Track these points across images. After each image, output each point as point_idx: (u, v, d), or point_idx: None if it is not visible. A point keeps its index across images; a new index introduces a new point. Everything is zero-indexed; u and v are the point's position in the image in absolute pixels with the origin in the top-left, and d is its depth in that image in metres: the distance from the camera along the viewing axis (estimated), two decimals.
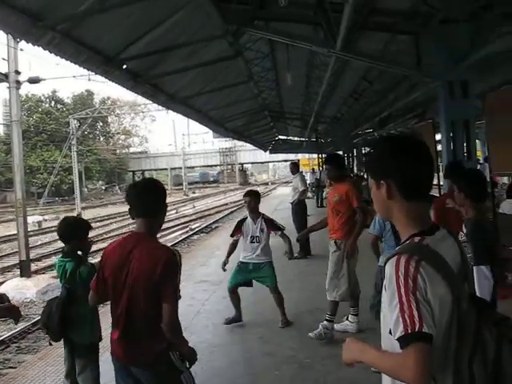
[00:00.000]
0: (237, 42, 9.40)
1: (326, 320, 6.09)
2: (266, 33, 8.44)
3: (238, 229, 7.06)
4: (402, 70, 9.12)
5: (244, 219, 7.09)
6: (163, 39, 8.36)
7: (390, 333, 1.71)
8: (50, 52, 6.79)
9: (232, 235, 7.16)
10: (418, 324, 1.61)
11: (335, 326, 6.23)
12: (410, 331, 1.61)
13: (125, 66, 8.62)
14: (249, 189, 7.48)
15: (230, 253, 7.16)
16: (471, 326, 1.73)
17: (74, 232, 4.22)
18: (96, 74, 8.47)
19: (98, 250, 19.69)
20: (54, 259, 12.03)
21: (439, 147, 10.80)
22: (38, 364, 6.01)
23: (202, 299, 8.22)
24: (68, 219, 4.42)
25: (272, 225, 6.98)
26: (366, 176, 25.81)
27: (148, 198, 3.25)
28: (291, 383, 4.97)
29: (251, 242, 6.99)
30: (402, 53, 9.49)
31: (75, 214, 32.30)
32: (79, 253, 4.28)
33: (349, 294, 6.16)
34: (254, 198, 7.02)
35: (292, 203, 12.41)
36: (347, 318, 6.39)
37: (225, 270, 7.01)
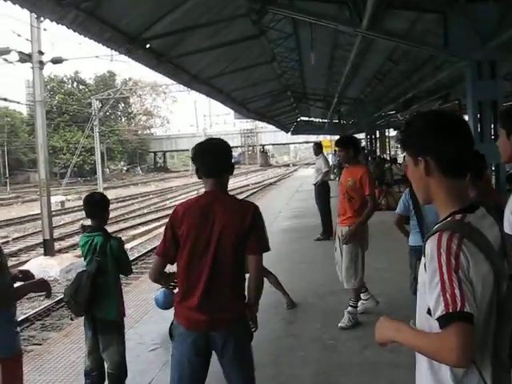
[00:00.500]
0: (260, 20, 9.30)
1: (351, 306, 5.99)
2: (290, 11, 8.32)
3: None
4: (429, 49, 8.94)
5: None
6: (186, 18, 8.30)
7: (429, 313, 1.65)
8: (74, 31, 6.78)
9: None
10: (460, 303, 1.54)
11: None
12: (451, 310, 1.55)
13: (148, 46, 8.58)
14: None
15: None
16: (510, 307, 1.67)
17: (101, 208, 4.26)
18: (119, 53, 8.45)
19: (120, 230, 19.96)
20: (77, 238, 12.09)
21: None
22: (63, 341, 6.06)
23: None
24: (95, 195, 4.44)
25: None
26: (388, 158, 25.64)
27: (220, 157, 3.17)
28: (316, 364, 4.94)
29: None
30: (428, 32, 9.32)
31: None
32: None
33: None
34: None
35: (315, 184, 12.31)
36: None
37: None
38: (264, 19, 9.67)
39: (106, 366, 4.15)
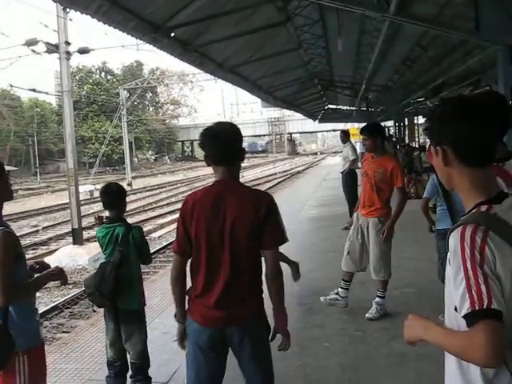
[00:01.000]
0: (286, 7, 9.19)
1: (378, 297, 5.89)
2: None
3: None
4: (460, 34, 8.73)
5: None
6: (211, 6, 8.25)
7: (456, 310, 1.55)
8: (99, 20, 6.78)
9: None
10: (487, 300, 1.45)
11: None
12: (477, 308, 1.46)
13: (173, 34, 8.56)
14: None
15: None
16: None
17: (119, 198, 4.24)
18: (144, 42, 8.45)
19: (148, 219, 20.13)
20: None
21: None
22: (90, 330, 6.11)
23: None
24: (112, 186, 4.41)
25: None
26: (417, 146, 25.30)
27: (230, 142, 2.96)
28: (342, 355, 4.88)
29: None
30: (458, 16, 9.09)
31: (126, 184, 32.92)
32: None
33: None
34: None
35: (342, 173, 12.20)
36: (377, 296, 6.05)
37: None
38: (290, 5, 9.57)
39: (128, 357, 4.15)
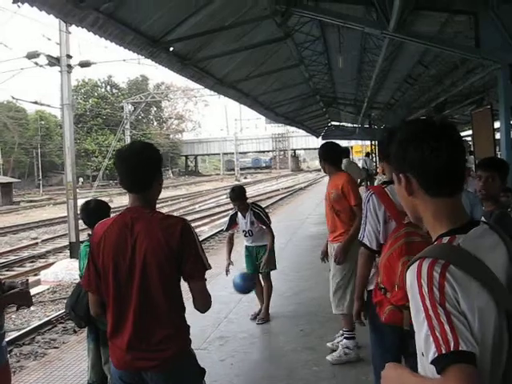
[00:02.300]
0: (285, 23, 9.12)
1: (345, 338, 5.25)
2: (315, 13, 8.12)
3: (233, 222, 6.99)
4: (460, 52, 8.64)
5: (236, 213, 6.97)
6: (210, 21, 8.18)
7: (423, 355, 1.37)
8: (95, 34, 6.70)
9: (227, 229, 7.16)
10: (453, 341, 1.28)
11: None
12: (444, 351, 1.28)
13: (171, 49, 8.49)
14: (232, 187, 7.21)
15: (229, 251, 7.14)
16: None
17: (98, 215, 4.10)
18: (142, 56, 8.36)
19: None
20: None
21: (497, 135, 10.31)
22: (76, 348, 6.01)
23: None
24: (90, 203, 4.31)
25: (259, 218, 6.78)
26: None
27: (139, 169, 2.66)
28: (331, 381, 4.74)
29: (245, 235, 6.98)
30: (459, 35, 9.04)
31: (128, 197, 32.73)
32: None
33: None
34: (241, 200, 6.80)
35: None
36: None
37: (227, 274, 6.90)
38: (290, 22, 9.49)
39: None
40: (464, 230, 1.51)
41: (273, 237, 6.81)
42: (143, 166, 2.67)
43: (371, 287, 3.50)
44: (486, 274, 1.41)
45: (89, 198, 4.71)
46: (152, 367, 2.61)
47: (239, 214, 6.89)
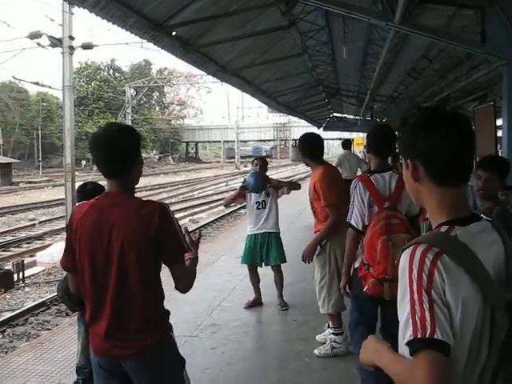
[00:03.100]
0: (290, 11, 9.05)
1: (333, 334, 5.17)
2: (320, 2, 8.04)
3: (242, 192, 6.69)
4: (465, 47, 8.56)
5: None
6: (214, 6, 8.11)
7: None
8: (97, 15, 6.66)
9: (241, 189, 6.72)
10: (430, 329, 1.33)
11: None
12: (420, 336, 1.33)
13: (174, 33, 8.42)
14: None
15: (233, 198, 6.99)
16: (500, 337, 1.41)
17: (91, 197, 4.08)
18: (144, 39, 8.29)
19: None
20: None
21: (499, 133, 10.26)
22: (68, 330, 5.99)
23: (240, 274, 8.05)
24: (87, 185, 4.26)
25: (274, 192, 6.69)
26: None
27: (118, 156, 2.56)
28: (322, 372, 4.73)
29: (257, 208, 6.66)
30: (466, 29, 8.95)
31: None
32: None
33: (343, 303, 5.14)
34: (263, 163, 6.86)
35: None
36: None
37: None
38: (295, 10, 9.42)
39: None
40: (464, 223, 1.52)
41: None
42: (120, 152, 2.57)
43: (357, 265, 3.95)
44: (477, 267, 1.41)
45: (86, 181, 4.67)
46: (130, 355, 2.58)
47: None
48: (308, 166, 5.40)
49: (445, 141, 1.50)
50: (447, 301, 1.37)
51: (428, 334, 1.32)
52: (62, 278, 4.18)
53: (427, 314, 1.34)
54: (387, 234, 3.57)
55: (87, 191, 4.11)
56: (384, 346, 1.52)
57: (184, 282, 2.67)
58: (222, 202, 25.20)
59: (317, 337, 5.53)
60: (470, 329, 1.40)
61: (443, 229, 1.52)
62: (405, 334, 1.37)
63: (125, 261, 2.50)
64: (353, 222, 3.88)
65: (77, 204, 2.77)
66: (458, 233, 1.48)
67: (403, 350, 1.40)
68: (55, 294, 10.28)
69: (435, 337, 1.32)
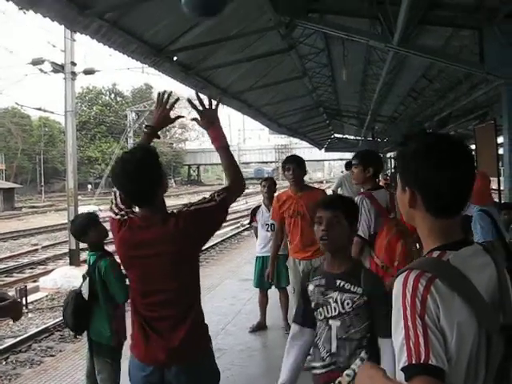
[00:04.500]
0: (290, 34, 9.13)
1: None
2: (319, 26, 8.12)
3: (254, 214, 7.06)
4: (464, 67, 8.62)
5: (258, 207, 7.05)
6: (214, 31, 8.17)
7: None
8: (98, 41, 6.71)
9: (250, 223, 7.24)
10: (424, 354, 1.33)
11: None
12: (414, 361, 1.33)
13: (175, 58, 8.50)
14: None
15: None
16: (496, 361, 1.41)
17: (83, 228, 4.19)
18: (146, 65, 8.37)
19: None
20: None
21: (501, 150, 10.27)
22: (72, 357, 5.96)
23: (244, 298, 8.02)
24: (78, 217, 4.43)
25: None
26: None
27: (140, 186, 2.64)
28: None
29: (266, 230, 6.85)
30: (464, 49, 9.02)
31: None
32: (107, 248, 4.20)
33: None
34: (272, 183, 7.09)
35: None
36: None
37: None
38: (294, 33, 9.50)
39: None
40: (455, 247, 1.52)
41: None
42: (142, 191, 2.67)
43: None
44: (470, 291, 1.42)
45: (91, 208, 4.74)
46: (179, 360, 2.70)
47: (262, 207, 6.94)
48: (297, 186, 5.75)
49: (447, 173, 1.50)
50: (442, 326, 1.38)
51: (422, 359, 1.32)
52: (66, 302, 4.19)
53: (421, 339, 1.35)
54: (403, 238, 4.10)
55: (77, 223, 4.30)
56: (379, 372, 1.50)
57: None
58: (225, 224, 25.22)
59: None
60: (466, 353, 1.40)
61: (435, 254, 1.52)
62: (400, 359, 1.38)
63: (164, 276, 2.69)
64: (360, 233, 4.29)
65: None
66: (450, 257, 1.48)
67: (399, 375, 1.40)
68: (58, 319, 10.27)
69: (429, 362, 1.32)
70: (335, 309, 2.68)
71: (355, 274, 2.73)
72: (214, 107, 3.02)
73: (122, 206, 2.84)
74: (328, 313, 2.71)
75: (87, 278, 3.97)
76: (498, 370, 1.40)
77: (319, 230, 2.74)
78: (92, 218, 4.30)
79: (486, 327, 1.41)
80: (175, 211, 2.78)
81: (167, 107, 2.97)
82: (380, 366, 1.55)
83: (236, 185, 2.89)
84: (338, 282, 2.71)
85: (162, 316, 2.72)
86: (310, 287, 2.83)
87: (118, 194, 2.91)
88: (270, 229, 6.78)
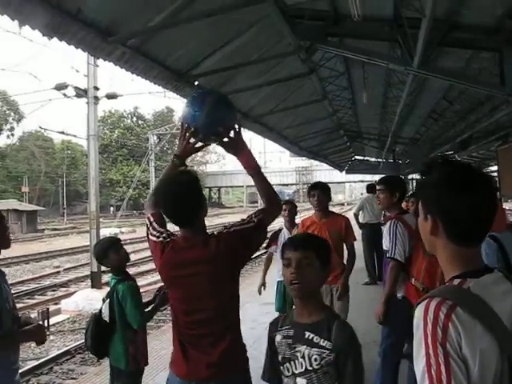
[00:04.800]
0: (310, 58, 9.20)
1: None
2: (339, 50, 8.19)
3: (274, 239, 6.86)
4: (485, 89, 8.60)
5: (279, 230, 6.93)
6: (235, 56, 8.29)
7: None
8: (121, 67, 6.83)
9: (267, 247, 6.96)
10: (446, 382, 1.34)
11: None
12: None
13: (196, 83, 8.60)
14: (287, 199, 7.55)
15: (265, 270, 7.10)
16: None
17: (105, 251, 4.24)
18: (167, 89, 8.48)
19: None
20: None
21: None
22: (93, 380, 5.97)
23: (265, 322, 7.96)
24: (101, 242, 4.49)
25: None
26: None
27: (184, 208, 2.78)
28: None
29: None
30: (484, 71, 9.01)
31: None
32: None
33: None
34: (292, 206, 6.95)
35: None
36: None
37: (260, 293, 6.88)
38: (315, 57, 9.58)
39: None
40: (476, 275, 1.53)
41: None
42: (185, 214, 2.82)
43: (400, 294, 4.60)
44: (492, 318, 1.43)
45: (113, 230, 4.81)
46: (214, 377, 2.81)
47: (284, 230, 6.84)
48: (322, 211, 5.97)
49: (468, 202, 1.53)
50: (464, 354, 1.39)
51: None
52: (87, 325, 4.23)
53: (443, 367, 1.36)
54: None
55: (98, 248, 4.37)
56: None
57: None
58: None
59: None
60: (489, 381, 1.40)
61: (456, 282, 1.54)
62: None
63: (204, 292, 2.81)
64: (397, 256, 4.49)
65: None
66: (471, 285, 1.50)
67: None
68: (80, 342, 10.32)
69: None
70: (302, 365, 2.44)
71: (327, 325, 2.45)
72: (236, 134, 3.02)
73: (162, 229, 2.93)
74: (296, 369, 2.47)
75: (107, 301, 4.00)
76: None
77: (287, 272, 2.49)
78: (113, 241, 4.35)
79: (509, 354, 1.41)
80: (215, 232, 2.87)
81: (189, 141, 3.00)
82: None
83: (272, 206, 2.98)
84: (307, 334, 2.46)
85: (200, 334, 2.82)
86: (278, 338, 2.61)
87: (152, 218, 3.00)
88: None
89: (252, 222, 2.84)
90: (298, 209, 7.59)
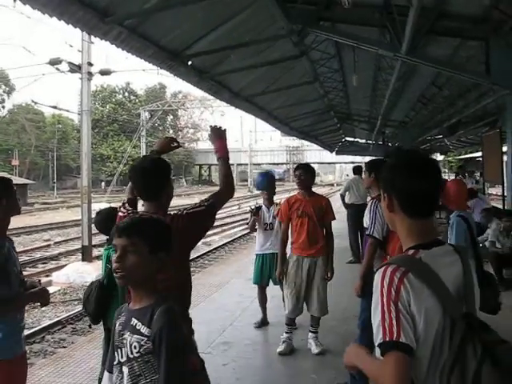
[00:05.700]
0: (302, 42, 9.38)
1: (316, 332, 6.18)
2: (331, 34, 8.38)
3: (257, 213, 7.24)
4: (471, 77, 8.84)
5: (260, 206, 7.32)
6: (228, 37, 8.46)
7: None
8: (117, 47, 7.00)
9: (255, 214, 7.30)
10: (396, 334, 1.65)
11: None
12: (388, 339, 1.66)
13: (190, 63, 8.77)
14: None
15: (253, 223, 7.36)
16: (456, 340, 1.72)
17: (106, 221, 4.44)
18: (161, 69, 8.65)
19: None
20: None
21: (505, 158, 10.47)
22: (86, 346, 6.24)
23: (250, 296, 8.27)
24: (101, 212, 4.69)
25: None
26: None
27: (149, 181, 3.07)
28: None
29: (265, 229, 7.18)
30: (471, 59, 9.22)
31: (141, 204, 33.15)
32: None
33: None
34: (272, 190, 7.37)
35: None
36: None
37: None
38: (307, 40, 9.75)
39: None
40: (428, 247, 1.86)
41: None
42: (149, 186, 3.08)
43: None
44: (437, 283, 1.75)
45: (103, 205, 5.05)
46: None
47: (263, 207, 7.26)
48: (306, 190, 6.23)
49: (416, 181, 1.86)
50: (412, 311, 1.70)
51: (394, 337, 1.65)
52: (83, 293, 4.47)
53: (394, 321, 1.67)
54: None
55: (101, 217, 4.55)
56: (364, 350, 1.87)
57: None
58: (235, 224, 25.46)
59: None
60: (432, 334, 1.72)
61: (410, 252, 1.86)
62: (376, 338, 1.70)
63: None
64: (375, 234, 4.70)
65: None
66: (423, 256, 1.81)
67: (377, 352, 1.73)
68: (71, 313, 10.60)
69: (400, 340, 1.64)
70: (125, 353, 2.26)
71: (151, 311, 2.25)
72: (219, 128, 3.61)
73: (130, 208, 3.28)
74: (122, 357, 2.29)
75: (108, 268, 4.23)
76: (458, 347, 1.70)
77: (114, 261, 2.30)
78: (113, 211, 4.59)
79: (450, 314, 1.73)
80: (172, 213, 3.14)
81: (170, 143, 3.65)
82: (364, 347, 1.91)
83: (228, 191, 3.38)
84: (133, 320, 2.28)
85: None
86: (116, 325, 2.42)
87: (126, 200, 3.38)
88: (268, 228, 7.18)
89: (203, 206, 3.15)
90: (287, 188, 7.88)
